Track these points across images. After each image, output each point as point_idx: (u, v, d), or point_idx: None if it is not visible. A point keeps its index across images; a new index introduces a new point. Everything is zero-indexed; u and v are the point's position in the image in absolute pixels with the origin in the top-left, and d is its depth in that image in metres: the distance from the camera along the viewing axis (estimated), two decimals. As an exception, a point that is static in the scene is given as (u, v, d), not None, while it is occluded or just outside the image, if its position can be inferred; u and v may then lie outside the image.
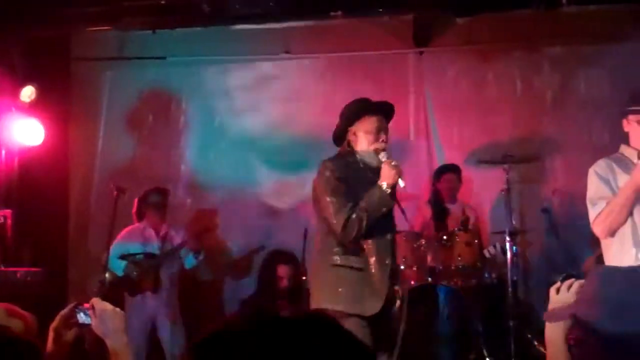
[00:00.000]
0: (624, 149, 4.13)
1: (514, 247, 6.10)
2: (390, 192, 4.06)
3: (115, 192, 6.08)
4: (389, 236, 4.20)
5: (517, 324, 5.90)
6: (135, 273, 6.21)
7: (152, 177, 7.14)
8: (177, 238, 6.45)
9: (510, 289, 5.98)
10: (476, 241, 6.26)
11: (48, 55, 6.95)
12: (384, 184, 4.04)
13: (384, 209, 4.07)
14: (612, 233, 3.95)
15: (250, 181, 7.27)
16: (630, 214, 3.88)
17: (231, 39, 7.24)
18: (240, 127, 7.36)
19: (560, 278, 2.19)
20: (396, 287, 4.18)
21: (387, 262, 4.10)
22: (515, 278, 6.08)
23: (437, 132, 7.18)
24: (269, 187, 7.30)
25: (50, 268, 6.19)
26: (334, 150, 7.00)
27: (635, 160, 3.97)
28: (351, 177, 4.12)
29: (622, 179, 3.96)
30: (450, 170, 6.73)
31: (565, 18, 6.87)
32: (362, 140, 4.21)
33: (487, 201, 7.08)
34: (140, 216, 6.48)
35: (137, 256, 6.27)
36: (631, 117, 4.01)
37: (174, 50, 7.32)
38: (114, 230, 6.11)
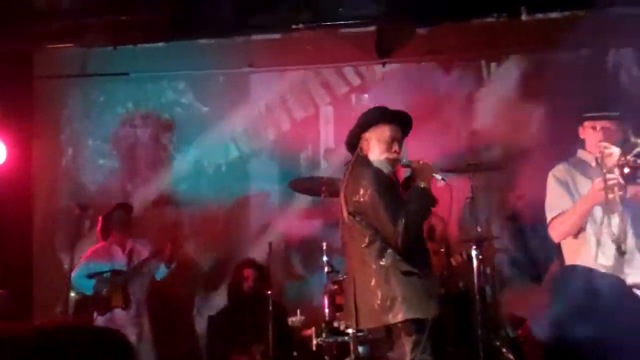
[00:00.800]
0: (581, 153, 4.21)
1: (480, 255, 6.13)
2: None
3: (77, 210, 6.02)
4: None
5: (485, 331, 5.91)
6: (104, 291, 6.17)
7: (117, 193, 7.09)
8: (144, 252, 6.41)
9: (477, 297, 5.99)
10: (442, 250, 6.28)
11: (10, 73, 6.91)
12: (422, 184, 4.06)
13: (430, 209, 4.13)
14: (565, 237, 4.02)
15: (218, 195, 7.23)
16: (590, 214, 3.95)
17: (194, 53, 7.23)
18: (206, 142, 7.33)
19: None
20: None
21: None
22: (482, 285, 6.09)
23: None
24: (237, 201, 7.27)
25: (15, 289, 6.12)
26: (299, 166, 7.11)
27: (592, 164, 4.04)
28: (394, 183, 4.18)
29: (580, 182, 4.04)
30: (415, 180, 6.79)
31: (525, 27, 6.96)
32: (375, 148, 4.18)
33: (454, 209, 7.10)
34: (106, 234, 6.44)
35: (105, 274, 6.23)
36: (586, 123, 4.11)
37: (136, 66, 7.29)
38: (76, 248, 6.06)
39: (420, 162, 4.11)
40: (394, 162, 4.15)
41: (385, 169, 4.14)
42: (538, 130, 7.08)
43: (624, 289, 1.39)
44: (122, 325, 6.15)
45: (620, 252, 3.75)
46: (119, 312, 6.19)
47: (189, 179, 7.31)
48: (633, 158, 3.68)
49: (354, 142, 4.27)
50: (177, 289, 6.97)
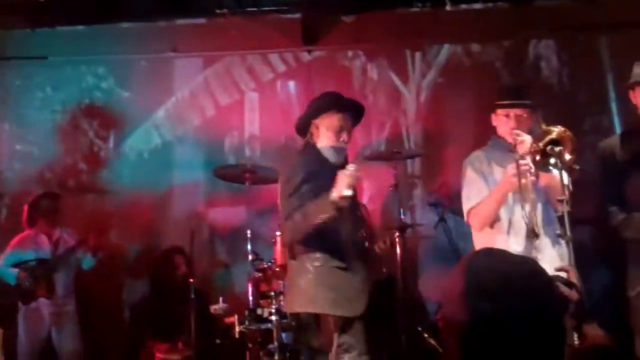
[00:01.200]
0: (494, 140, 4.29)
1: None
2: (336, 204, 3.79)
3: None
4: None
5: (408, 318, 5.98)
6: (28, 280, 6.01)
7: (36, 180, 6.90)
8: (71, 241, 6.27)
9: (400, 284, 6.06)
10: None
11: None
12: (333, 194, 3.79)
13: (322, 216, 3.80)
14: (485, 225, 4.09)
15: (141, 183, 7.09)
16: (505, 203, 4.04)
17: (116, 37, 7.07)
18: (127, 128, 7.18)
19: None
20: None
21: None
22: (405, 272, 6.16)
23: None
24: (161, 188, 7.15)
25: None
26: (223, 153, 7.04)
27: (505, 151, 4.13)
28: (315, 171, 4.01)
29: (494, 169, 4.12)
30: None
31: (450, 17, 7.05)
32: (324, 136, 4.11)
33: (378, 197, 7.17)
34: (32, 222, 6.25)
35: (30, 263, 6.07)
36: (499, 111, 4.18)
37: (56, 50, 7.08)
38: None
39: (348, 172, 3.83)
40: (340, 152, 4.08)
41: (332, 157, 4.08)
42: (460, 118, 7.18)
43: (538, 269, 1.41)
44: (47, 315, 6.04)
45: (532, 239, 3.85)
46: (43, 302, 6.04)
47: (111, 166, 7.15)
48: (544, 146, 3.76)
49: (304, 127, 4.21)
50: (104, 278, 6.83)
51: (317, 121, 4.12)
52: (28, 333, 6.00)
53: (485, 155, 4.25)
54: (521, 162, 3.83)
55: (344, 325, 3.91)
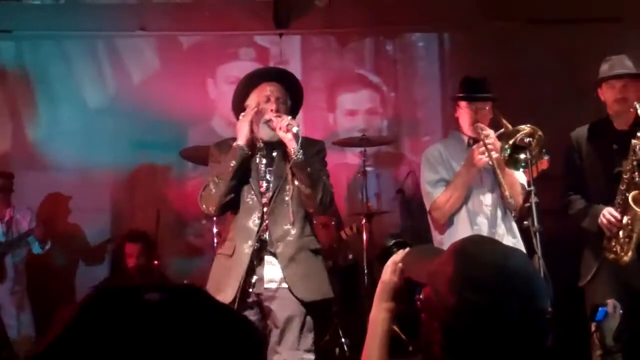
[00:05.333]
0: (454, 133, 4.31)
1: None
2: (246, 150, 3.68)
3: None
4: (256, 216, 3.74)
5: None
6: (-21, 263, 5.90)
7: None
8: (24, 222, 6.17)
9: (366, 270, 6.08)
10: (333, 223, 6.33)
11: None
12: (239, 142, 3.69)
13: (233, 163, 3.66)
14: (450, 216, 4.10)
15: (105, 163, 6.98)
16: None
17: (85, 13, 6.92)
18: (94, 106, 7.05)
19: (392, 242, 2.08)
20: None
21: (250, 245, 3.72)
22: (371, 259, 6.18)
23: (298, 114, 7.15)
24: (127, 169, 7.05)
25: None
26: (194, 132, 6.96)
27: (465, 144, 4.15)
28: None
29: (456, 161, 4.12)
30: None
31: (426, 4, 7.05)
32: (255, 116, 3.81)
33: (345, 183, 7.17)
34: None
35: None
36: (461, 104, 4.19)
37: (22, 24, 6.91)
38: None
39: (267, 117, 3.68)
40: (270, 123, 3.73)
41: (267, 134, 3.77)
42: (431, 107, 7.21)
43: (528, 260, 1.44)
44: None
45: (492, 227, 3.90)
46: (-6, 285, 5.93)
47: (77, 145, 6.99)
48: (515, 142, 3.80)
49: (239, 113, 3.94)
50: (58, 260, 6.73)
51: (248, 101, 3.85)
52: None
53: (444, 148, 4.26)
54: (487, 141, 3.86)
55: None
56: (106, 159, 6.92)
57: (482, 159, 3.91)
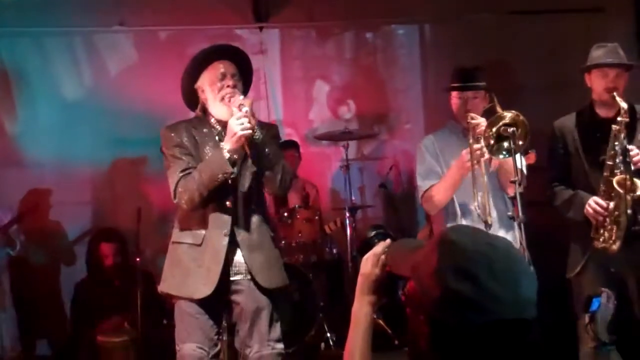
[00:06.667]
0: (450, 123, 4.30)
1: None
2: (233, 156, 3.49)
3: None
4: (227, 203, 3.63)
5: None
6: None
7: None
8: (4, 219, 6.08)
9: (350, 264, 6.06)
10: (317, 217, 6.30)
11: None
12: (225, 146, 3.47)
13: (220, 176, 3.48)
14: (439, 209, 4.10)
15: (85, 158, 6.89)
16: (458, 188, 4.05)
17: (63, 10, 6.82)
18: (72, 102, 6.97)
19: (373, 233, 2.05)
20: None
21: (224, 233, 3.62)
22: (355, 253, 6.16)
23: (279, 108, 7.13)
24: (106, 163, 6.98)
25: None
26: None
27: (460, 134, 4.15)
28: (197, 140, 3.66)
29: (450, 153, 4.12)
30: (289, 146, 6.60)
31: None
32: (210, 96, 3.63)
33: (327, 177, 7.15)
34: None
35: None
36: (453, 93, 4.18)
37: (2, 21, 6.82)
38: None
39: (240, 114, 3.44)
40: (225, 102, 3.57)
41: (222, 113, 3.60)
42: (414, 100, 7.20)
43: (514, 250, 1.40)
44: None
45: (486, 225, 3.87)
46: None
47: (56, 141, 6.91)
48: (498, 130, 3.77)
49: (191, 98, 3.76)
50: (41, 256, 6.66)
51: (199, 84, 3.68)
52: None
53: (440, 138, 4.26)
54: (475, 146, 3.84)
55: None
56: (86, 153, 6.82)
57: (467, 166, 3.88)
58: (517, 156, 3.74)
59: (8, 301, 6.03)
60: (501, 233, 3.97)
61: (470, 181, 3.91)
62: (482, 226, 3.86)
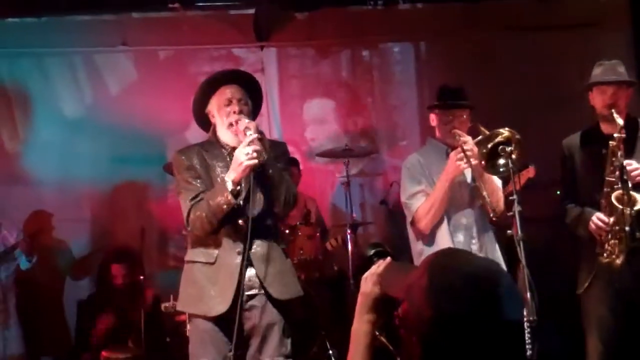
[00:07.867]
0: (431, 141, 4.32)
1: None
2: (236, 188, 3.52)
3: None
4: (240, 222, 3.64)
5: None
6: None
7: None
8: (11, 239, 6.10)
9: (352, 281, 6.07)
10: (318, 234, 6.33)
11: None
12: (227, 179, 3.51)
13: (225, 207, 3.52)
14: (434, 226, 4.10)
15: (86, 177, 6.94)
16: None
17: (66, 30, 6.90)
18: (73, 121, 7.02)
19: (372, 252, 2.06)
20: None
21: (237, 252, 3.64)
22: (356, 270, 6.17)
23: (280, 126, 7.18)
24: (107, 182, 7.02)
25: None
26: (173, 145, 6.92)
27: (443, 153, 4.17)
28: (209, 163, 3.71)
29: (436, 170, 4.13)
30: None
31: (402, 15, 7.09)
32: (218, 122, 3.71)
33: (328, 194, 7.18)
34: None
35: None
36: (437, 111, 4.22)
37: (4, 42, 6.89)
38: None
39: (246, 143, 3.48)
40: (232, 130, 3.64)
41: (230, 139, 3.68)
42: (412, 117, 7.24)
43: (502, 271, 1.44)
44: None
45: (471, 238, 3.90)
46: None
47: (60, 161, 6.96)
48: (493, 147, 3.82)
49: (203, 121, 3.83)
50: (46, 274, 6.69)
51: (209, 108, 3.76)
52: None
53: (422, 157, 4.26)
54: (466, 147, 3.87)
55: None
56: (86, 173, 6.88)
57: (460, 165, 3.91)
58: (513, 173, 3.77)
59: (13, 318, 6.07)
60: (490, 252, 4.01)
61: (458, 203, 3.96)
62: (468, 241, 3.91)
